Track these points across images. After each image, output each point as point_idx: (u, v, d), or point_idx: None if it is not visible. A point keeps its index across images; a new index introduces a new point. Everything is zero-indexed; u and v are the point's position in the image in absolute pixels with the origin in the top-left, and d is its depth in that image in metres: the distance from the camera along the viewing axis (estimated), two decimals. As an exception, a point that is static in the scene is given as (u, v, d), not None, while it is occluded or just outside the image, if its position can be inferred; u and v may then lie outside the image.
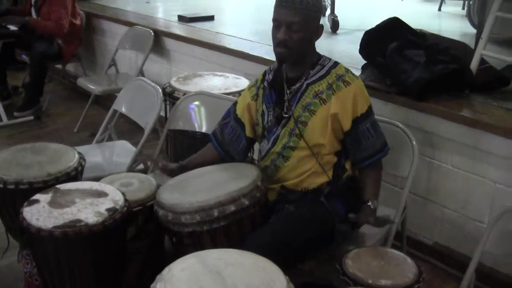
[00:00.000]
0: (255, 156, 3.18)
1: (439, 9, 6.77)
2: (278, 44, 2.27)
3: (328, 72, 2.33)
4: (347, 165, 2.38)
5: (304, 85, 2.34)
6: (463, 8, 6.55)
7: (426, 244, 3.21)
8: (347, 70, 2.35)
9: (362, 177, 2.40)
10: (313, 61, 2.37)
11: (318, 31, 2.33)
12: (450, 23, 6.12)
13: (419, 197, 3.18)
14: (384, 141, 2.38)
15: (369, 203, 2.25)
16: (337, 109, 2.27)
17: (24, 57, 5.60)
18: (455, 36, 4.21)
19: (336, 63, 2.37)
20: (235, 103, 2.60)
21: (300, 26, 2.22)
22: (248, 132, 2.52)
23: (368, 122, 2.30)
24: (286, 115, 2.37)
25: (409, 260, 2.02)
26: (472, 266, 2.24)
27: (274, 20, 2.28)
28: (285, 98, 2.38)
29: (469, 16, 5.31)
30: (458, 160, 3.00)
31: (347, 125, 2.28)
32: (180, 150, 3.37)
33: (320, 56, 2.39)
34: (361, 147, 2.32)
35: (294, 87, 2.37)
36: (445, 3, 6.96)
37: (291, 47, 2.24)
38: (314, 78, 2.34)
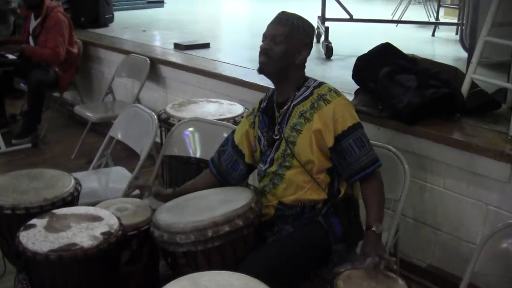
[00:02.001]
0: (250, 181, 3.22)
1: (433, 35, 6.86)
2: (260, 53, 2.40)
3: (311, 93, 2.39)
4: (342, 187, 2.41)
5: (291, 107, 2.42)
6: (457, 33, 6.64)
7: (420, 266, 3.22)
8: (330, 90, 2.39)
9: (363, 196, 2.38)
10: (299, 83, 2.44)
11: (301, 51, 2.39)
12: (443, 48, 6.19)
13: (412, 219, 3.21)
14: (373, 158, 2.35)
15: (373, 228, 2.22)
16: (319, 125, 2.32)
17: (22, 85, 5.66)
18: (448, 61, 4.28)
19: (320, 84, 2.43)
20: (233, 131, 2.68)
21: (282, 39, 2.35)
22: (248, 158, 2.58)
23: (351, 139, 2.31)
24: (277, 137, 2.44)
25: (400, 281, 2.03)
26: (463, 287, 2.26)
27: (262, 36, 2.42)
28: (276, 121, 2.46)
29: (461, 40, 5.38)
30: (451, 182, 3.03)
31: (329, 141, 2.32)
32: (176, 175, 3.40)
33: (307, 78, 2.46)
34: (346, 163, 2.33)
35: (282, 110, 2.45)
36: (438, 28, 7.05)
37: (272, 56, 2.36)
38: (299, 99, 2.41)
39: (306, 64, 2.51)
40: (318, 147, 2.34)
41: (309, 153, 2.34)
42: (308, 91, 2.41)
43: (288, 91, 2.45)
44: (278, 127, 2.45)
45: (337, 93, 2.40)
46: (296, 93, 2.43)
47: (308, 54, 2.44)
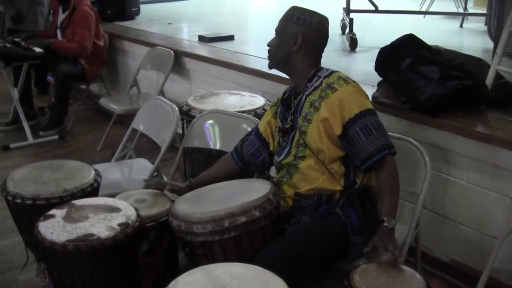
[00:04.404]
0: (272, 173, 3.21)
1: (461, 26, 6.76)
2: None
3: (321, 82, 2.40)
4: (358, 178, 2.40)
5: (303, 98, 2.43)
6: (486, 24, 6.52)
7: (443, 261, 3.19)
8: (339, 78, 2.38)
9: (377, 186, 2.35)
10: (311, 74, 2.44)
11: (297, 38, 2.40)
12: (471, 39, 6.10)
13: (435, 213, 3.17)
14: (381, 145, 2.29)
15: (385, 223, 2.18)
16: (326, 114, 2.32)
17: (49, 78, 5.73)
18: (476, 52, 4.21)
19: (331, 73, 2.42)
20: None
21: (277, 33, 2.48)
22: (272, 147, 2.62)
23: (357, 126, 2.29)
24: (287, 127, 2.48)
25: (417, 275, 2.01)
26: (482, 282, 2.23)
27: None
28: (290, 112, 2.49)
29: (489, 31, 5.30)
30: (474, 176, 2.98)
31: (337, 130, 2.31)
32: (197, 168, 3.40)
33: (320, 69, 2.46)
34: (355, 150, 2.30)
35: (296, 100, 2.47)
36: (467, 19, 6.94)
37: (271, 51, 2.50)
38: (311, 89, 2.42)
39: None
40: (327, 136, 2.33)
41: (318, 142, 2.34)
42: (319, 81, 2.41)
43: (301, 82, 2.47)
44: (292, 117, 2.47)
45: (346, 81, 2.38)
46: (308, 84, 2.44)
47: (309, 41, 2.42)
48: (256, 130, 2.69)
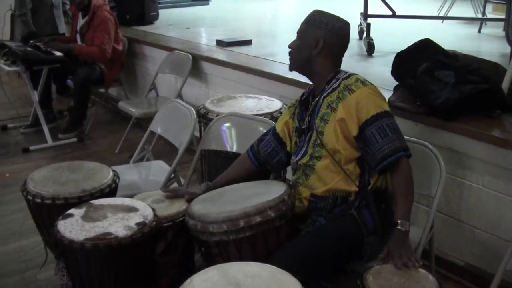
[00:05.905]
0: (288, 176, 3.24)
1: (479, 31, 6.74)
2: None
3: (339, 84, 2.42)
4: (372, 179, 2.41)
5: (321, 99, 2.46)
6: (504, 30, 6.50)
7: (457, 265, 3.19)
8: (357, 80, 2.41)
9: (391, 187, 2.38)
10: (330, 77, 2.47)
11: (318, 42, 2.43)
12: (489, 44, 6.08)
13: (450, 217, 3.18)
14: (396, 147, 2.30)
15: (399, 227, 2.20)
16: (343, 114, 2.35)
17: (69, 82, 5.81)
18: (494, 57, 4.20)
19: (349, 75, 2.45)
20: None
21: (299, 35, 2.50)
22: (289, 147, 2.65)
23: (373, 128, 2.30)
24: (303, 127, 2.52)
25: (430, 276, 2.02)
26: (495, 284, 2.23)
27: None
28: (308, 112, 2.52)
29: (507, 36, 5.28)
30: (489, 180, 2.98)
31: (353, 131, 2.33)
32: (214, 170, 3.43)
33: (339, 72, 2.49)
34: (370, 152, 2.32)
35: (314, 101, 2.50)
36: (485, 24, 6.92)
37: (292, 53, 2.52)
38: (329, 90, 2.45)
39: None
40: (344, 136, 2.36)
41: (334, 143, 2.37)
42: (337, 82, 2.44)
43: (320, 85, 2.50)
44: (309, 118, 2.50)
45: (364, 83, 2.40)
46: (327, 86, 2.47)
47: (330, 45, 2.44)
48: (273, 130, 2.71)
